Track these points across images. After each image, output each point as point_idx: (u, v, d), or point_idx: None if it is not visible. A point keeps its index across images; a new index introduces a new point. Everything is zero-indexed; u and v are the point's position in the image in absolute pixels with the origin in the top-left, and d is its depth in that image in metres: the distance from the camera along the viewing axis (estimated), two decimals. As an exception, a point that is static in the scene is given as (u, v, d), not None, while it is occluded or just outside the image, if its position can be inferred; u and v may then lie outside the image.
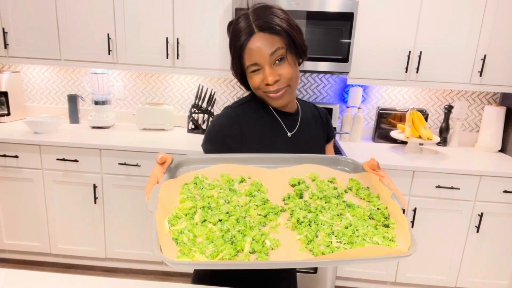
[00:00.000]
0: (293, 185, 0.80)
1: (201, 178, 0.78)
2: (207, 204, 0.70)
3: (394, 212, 0.70)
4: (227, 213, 0.68)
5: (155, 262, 2.36)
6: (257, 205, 0.72)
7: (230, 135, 0.94)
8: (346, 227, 0.67)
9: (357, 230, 0.66)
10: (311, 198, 0.76)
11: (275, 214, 0.71)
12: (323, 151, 1.09)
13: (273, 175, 0.82)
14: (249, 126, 0.96)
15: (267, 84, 0.90)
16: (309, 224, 0.67)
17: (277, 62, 0.89)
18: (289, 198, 0.76)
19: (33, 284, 0.81)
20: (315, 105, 1.13)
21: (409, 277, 2.22)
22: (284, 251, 0.62)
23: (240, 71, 0.95)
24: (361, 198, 0.77)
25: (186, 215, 0.67)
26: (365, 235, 0.64)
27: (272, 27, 0.87)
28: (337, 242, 0.63)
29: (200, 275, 0.99)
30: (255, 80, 0.91)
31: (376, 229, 0.67)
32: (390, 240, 0.64)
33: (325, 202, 0.75)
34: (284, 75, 0.89)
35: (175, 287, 0.83)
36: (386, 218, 0.70)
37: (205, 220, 0.66)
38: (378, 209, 0.72)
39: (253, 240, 0.62)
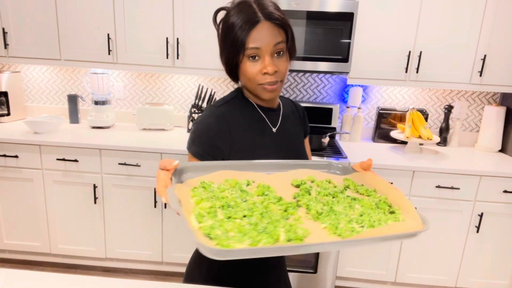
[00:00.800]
0: (297, 186, 0.82)
1: (207, 183, 0.77)
2: (225, 203, 0.69)
3: (396, 200, 0.74)
4: (249, 209, 0.68)
5: (155, 262, 2.36)
6: (273, 203, 0.73)
7: (218, 134, 0.92)
8: (361, 215, 0.69)
9: (371, 216, 0.68)
10: (318, 195, 0.78)
11: (293, 208, 0.72)
12: (303, 146, 1.11)
13: (274, 179, 0.84)
14: (236, 124, 0.95)
15: (265, 74, 0.88)
16: (328, 215, 0.70)
17: (275, 55, 0.89)
18: (298, 196, 0.78)
19: (33, 284, 0.81)
20: (293, 101, 1.14)
21: (409, 277, 2.22)
22: (316, 238, 0.63)
23: (233, 61, 0.91)
24: (360, 194, 0.80)
25: (208, 213, 0.66)
26: (380, 220, 0.67)
27: (278, 18, 0.87)
28: (359, 227, 0.65)
29: (190, 276, 1.01)
30: (252, 69, 0.89)
31: (386, 215, 0.70)
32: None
33: (333, 197, 0.78)
34: (281, 69, 0.90)
35: (175, 287, 0.83)
36: (389, 206, 0.73)
37: (229, 217, 0.65)
38: (379, 200, 0.75)
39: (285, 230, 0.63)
